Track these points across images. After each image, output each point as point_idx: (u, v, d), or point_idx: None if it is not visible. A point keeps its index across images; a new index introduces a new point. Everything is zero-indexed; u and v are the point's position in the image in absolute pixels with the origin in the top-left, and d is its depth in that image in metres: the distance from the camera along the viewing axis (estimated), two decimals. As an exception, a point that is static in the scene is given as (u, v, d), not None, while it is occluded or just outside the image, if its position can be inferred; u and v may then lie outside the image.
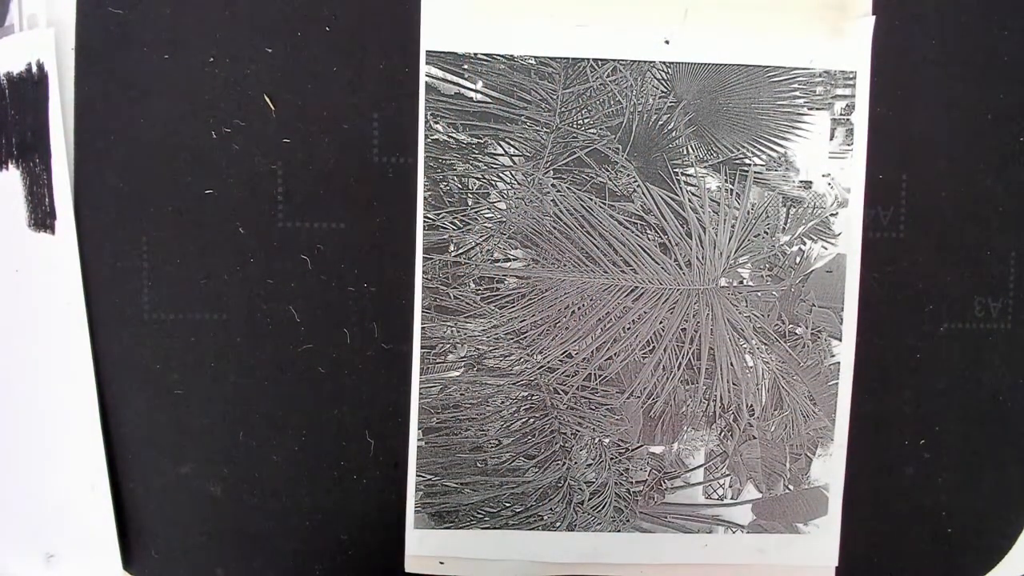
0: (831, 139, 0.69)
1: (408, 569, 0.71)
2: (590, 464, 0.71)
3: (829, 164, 0.69)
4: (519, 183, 0.69)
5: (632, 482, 0.71)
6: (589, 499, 0.71)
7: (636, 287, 0.70)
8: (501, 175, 0.69)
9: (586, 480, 0.71)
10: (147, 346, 0.69)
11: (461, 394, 0.70)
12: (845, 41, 0.69)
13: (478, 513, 0.71)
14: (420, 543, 0.71)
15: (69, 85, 0.68)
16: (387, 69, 0.68)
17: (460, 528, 0.71)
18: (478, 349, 0.70)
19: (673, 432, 0.71)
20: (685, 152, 0.69)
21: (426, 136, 0.68)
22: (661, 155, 0.69)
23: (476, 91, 0.68)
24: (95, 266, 0.69)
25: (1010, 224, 0.72)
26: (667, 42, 0.68)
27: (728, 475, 0.71)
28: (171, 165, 0.68)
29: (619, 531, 0.72)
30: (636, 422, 0.71)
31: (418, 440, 0.70)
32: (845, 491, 0.71)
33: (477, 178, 0.69)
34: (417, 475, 0.70)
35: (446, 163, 0.68)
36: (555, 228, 0.69)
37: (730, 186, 0.69)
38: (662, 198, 0.69)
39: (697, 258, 0.69)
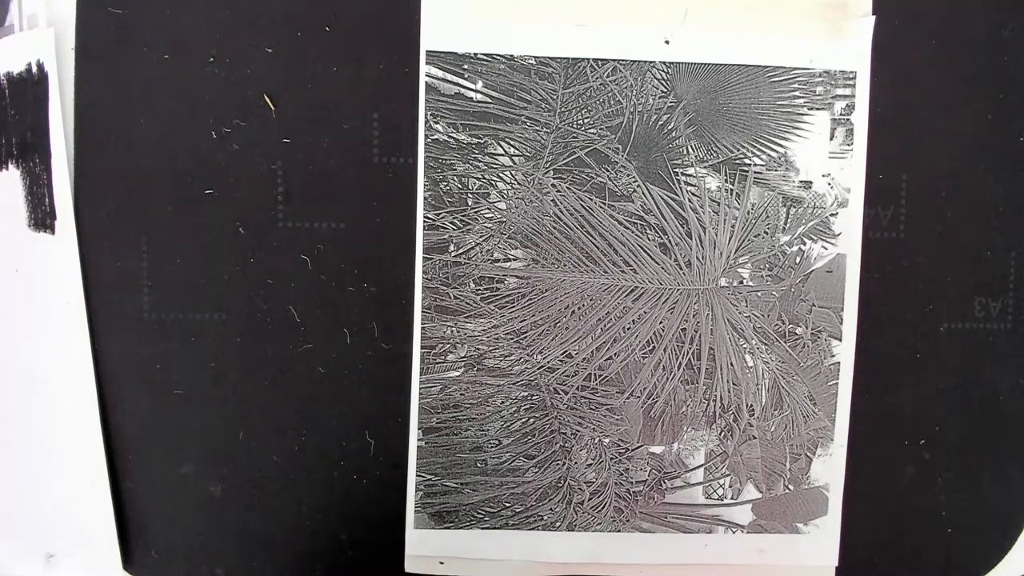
0: (831, 139, 0.69)
1: (408, 569, 0.71)
2: (590, 464, 0.71)
3: (829, 164, 0.69)
4: (519, 183, 0.69)
5: (632, 482, 0.71)
6: (589, 499, 0.71)
7: (636, 287, 0.70)
8: (501, 175, 0.69)
9: (586, 480, 0.71)
10: (147, 346, 0.69)
11: (461, 394, 0.70)
12: (845, 41, 0.69)
13: (478, 513, 0.71)
14: (420, 543, 0.71)
15: (69, 85, 0.68)
16: (387, 69, 0.68)
17: (460, 528, 0.71)
18: (478, 349, 0.70)
19: (673, 432, 0.71)
20: (685, 152, 0.69)
21: (426, 136, 0.68)
22: (661, 155, 0.69)
23: (476, 91, 0.68)
24: (95, 266, 0.69)
25: (1010, 224, 0.72)
26: (667, 42, 0.68)
27: (728, 475, 0.71)
28: (171, 165, 0.68)
29: (619, 531, 0.72)
30: (636, 422, 0.71)
31: (418, 440, 0.70)
32: (845, 491, 0.71)
33: (477, 178, 0.69)
34: (417, 475, 0.70)
35: (446, 163, 0.68)
36: (555, 228, 0.69)
37: (730, 186, 0.69)
38: (662, 198, 0.69)
39: (697, 258, 0.69)
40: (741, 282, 0.70)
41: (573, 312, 0.70)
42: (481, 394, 0.70)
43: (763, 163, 0.69)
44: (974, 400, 0.72)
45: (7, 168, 0.68)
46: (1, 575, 0.71)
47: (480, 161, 0.68)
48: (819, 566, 0.72)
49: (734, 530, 0.72)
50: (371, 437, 0.71)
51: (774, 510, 0.72)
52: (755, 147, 0.69)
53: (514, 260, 0.69)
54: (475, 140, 0.68)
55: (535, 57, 0.68)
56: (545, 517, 0.71)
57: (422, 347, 0.70)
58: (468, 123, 0.68)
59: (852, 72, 0.69)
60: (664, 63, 0.69)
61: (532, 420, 0.71)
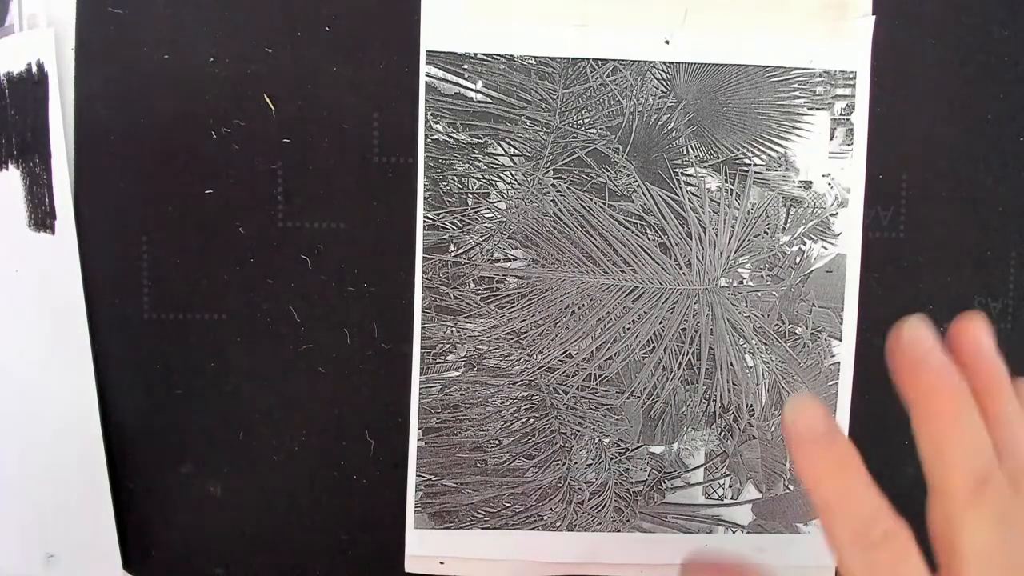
0: (831, 139, 0.69)
1: (408, 569, 0.71)
2: (590, 464, 0.71)
3: (829, 164, 0.69)
4: (519, 183, 0.69)
5: (632, 482, 0.71)
6: (589, 499, 0.71)
7: (636, 287, 0.70)
8: (501, 175, 0.69)
9: (586, 480, 0.71)
10: (147, 346, 0.70)
11: (461, 394, 0.70)
12: (845, 41, 0.69)
13: (478, 513, 0.71)
14: (420, 543, 0.71)
15: (69, 85, 0.68)
16: (387, 69, 0.68)
17: (460, 528, 0.71)
18: (478, 349, 0.70)
19: (673, 432, 0.71)
20: (685, 152, 0.69)
21: (426, 136, 0.68)
22: (661, 155, 0.69)
23: (476, 91, 0.68)
24: (95, 266, 0.69)
25: (1010, 224, 0.72)
26: (667, 42, 0.68)
27: (728, 475, 0.71)
28: (171, 165, 0.68)
29: (619, 531, 0.72)
30: (636, 422, 0.71)
31: (418, 440, 0.70)
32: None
33: (477, 178, 0.69)
34: (417, 475, 0.70)
35: (446, 163, 0.68)
36: (555, 228, 0.69)
37: (730, 186, 0.69)
38: (662, 198, 0.69)
39: (697, 258, 0.69)
40: (741, 282, 0.70)
41: (573, 312, 0.70)
42: (481, 394, 0.70)
43: (763, 163, 0.69)
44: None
45: (7, 168, 0.68)
46: (1, 575, 0.71)
47: (480, 161, 0.68)
48: (819, 566, 0.72)
49: (734, 530, 0.72)
50: (371, 437, 0.71)
51: (774, 510, 0.72)
52: (755, 147, 0.69)
53: (514, 260, 0.69)
54: (475, 140, 0.68)
55: (535, 57, 0.68)
56: (545, 517, 0.72)
57: (422, 347, 0.70)
58: (468, 123, 0.68)
59: (852, 72, 0.69)
60: (664, 63, 0.69)
61: (532, 420, 0.71)
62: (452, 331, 0.70)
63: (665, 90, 0.69)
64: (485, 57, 0.68)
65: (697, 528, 0.72)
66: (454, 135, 0.68)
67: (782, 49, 0.69)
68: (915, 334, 0.54)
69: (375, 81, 0.68)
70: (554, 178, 0.69)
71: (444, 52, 0.68)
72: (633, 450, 0.71)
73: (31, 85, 0.67)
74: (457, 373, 0.70)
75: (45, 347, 0.70)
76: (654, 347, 0.70)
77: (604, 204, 0.69)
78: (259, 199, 0.69)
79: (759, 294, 0.70)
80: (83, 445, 0.70)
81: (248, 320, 0.69)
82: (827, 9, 0.68)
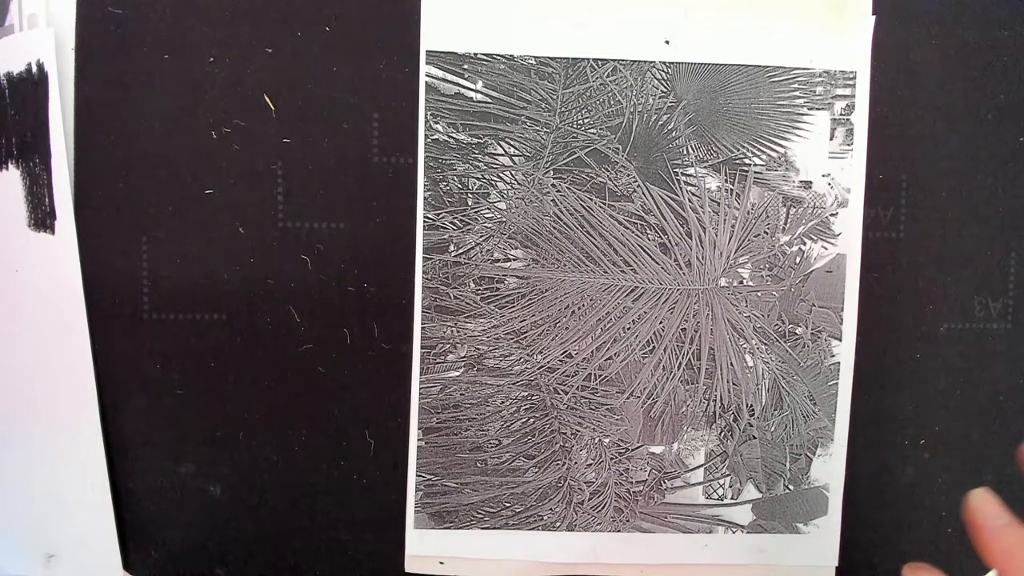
0: (831, 139, 0.69)
1: (408, 569, 0.71)
2: (590, 464, 0.71)
3: (829, 164, 0.69)
4: (519, 183, 0.69)
5: (632, 482, 0.71)
6: (589, 499, 0.71)
7: (636, 287, 0.70)
8: (501, 175, 0.69)
9: (586, 480, 0.71)
10: (147, 346, 0.70)
11: (461, 394, 0.70)
12: (845, 41, 0.69)
13: (478, 513, 0.71)
14: (420, 543, 0.71)
15: (69, 85, 0.68)
16: (387, 69, 0.68)
17: (460, 528, 0.71)
18: (478, 349, 0.70)
19: (673, 432, 0.71)
20: (685, 152, 0.69)
21: (426, 136, 0.68)
22: (661, 155, 0.69)
23: (476, 91, 0.68)
24: (95, 266, 0.69)
25: (1010, 224, 0.72)
26: (667, 42, 0.68)
27: (728, 475, 0.71)
28: (171, 165, 0.68)
29: (619, 531, 0.72)
30: (636, 422, 0.71)
31: (418, 440, 0.70)
32: (845, 491, 0.72)
33: (477, 178, 0.69)
34: (417, 475, 0.70)
35: (446, 163, 0.68)
36: (555, 228, 0.69)
37: (730, 186, 0.69)
38: (662, 198, 0.69)
39: (697, 258, 0.69)
40: (741, 282, 0.70)
41: (573, 312, 0.70)
42: (481, 394, 0.70)
43: (763, 163, 0.69)
44: (974, 400, 0.72)
45: (7, 168, 0.68)
46: (1, 575, 0.72)
47: (480, 161, 0.68)
48: (819, 566, 0.72)
49: (734, 530, 0.72)
50: (371, 437, 0.71)
51: (774, 510, 0.72)
52: (755, 147, 0.69)
53: (514, 260, 0.69)
54: (475, 140, 0.68)
55: (535, 57, 0.68)
56: (545, 517, 0.72)
57: (422, 347, 0.70)
58: (468, 123, 0.68)
59: (852, 72, 0.69)
60: (664, 63, 0.69)
61: (532, 420, 0.71)
62: (452, 331, 0.70)
63: (665, 90, 0.69)
64: (485, 57, 0.68)
65: (697, 528, 0.72)
66: (454, 135, 0.68)
67: (782, 49, 0.68)
68: (983, 507, 0.55)
69: (375, 81, 0.68)
70: (554, 178, 0.69)
71: (444, 52, 0.68)
72: (633, 450, 0.71)
73: (31, 85, 0.67)
74: (457, 373, 0.70)
75: (45, 347, 0.70)
76: (654, 347, 0.70)
77: (604, 204, 0.69)
78: (259, 199, 0.69)
79: (759, 294, 0.70)
80: (83, 445, 0.70)
81: (248, 320, 0.69)
82: (827, 9, 0.68)
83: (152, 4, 0.67)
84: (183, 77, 0.68)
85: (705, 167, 0.69)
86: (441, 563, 0.71)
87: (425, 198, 0.68)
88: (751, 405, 0.71)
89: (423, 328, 0.70)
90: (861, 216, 0.69)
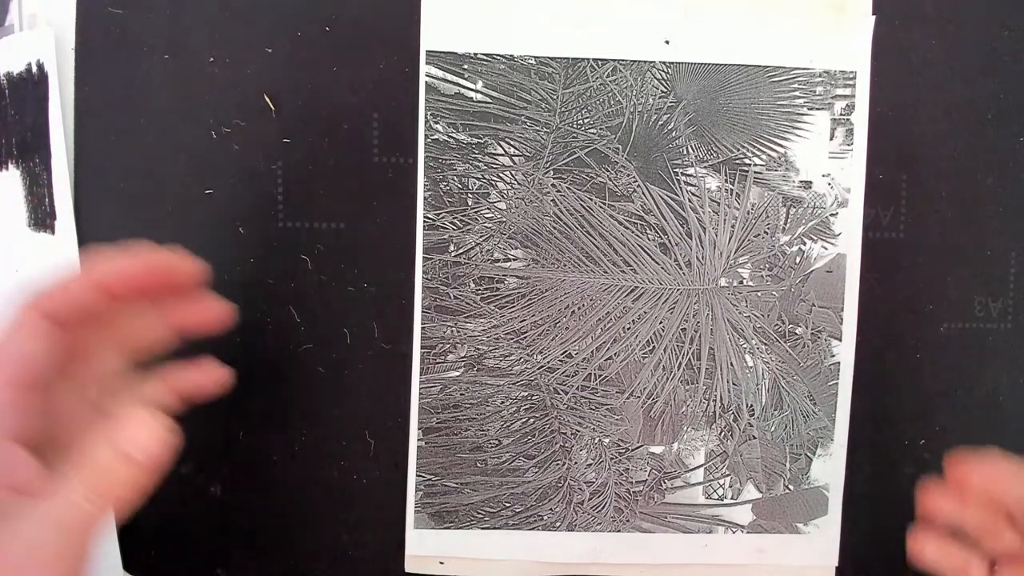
0: (831, 139, 0.69)
1: (408, 569, 0.71)
2: (590, 464, 0.71)
3: (829, 164, 0.69)
4: (519, 183, 0.69)
5: (632, 482, 0.71)
6: (589, 499, 0.71)
7: (636, 287, 0.70)
8: (501, 175, 0.69)
9: (586, 480, 0.71)
10: (147, 346, 0.69)
11: (461, 394, 0.70)
12: (845, 41, 0.69)
13: (478, 513, 0.71)
14: (420, 543, 0.71)
15: (69, 85, 0.68)
16: (387, 69, 0.68)
17: (460, 528, 0.71)
18: (478, 349, 0.70)
19: (673, 432, 0.71)
20: (685, 152, 0.69)
21: (426, 136, 0.68)
22: (661, 155, 0.69)
23: (476, 91, 0.68)
24: (95, 266, 0.69)
25: (1010, 224, 0.72)
26: (667, 42, 0.68)
27: (728, 475, 0.71)
28: (171, 165, 0.68)
29: (619, 531, 0.72)
30: (636, 422, 0.71)
31: (418, 440, 0.70)
32: (845, 491, 0.72)
33: (477, 178, 0.69)
34: (417, 475, 0.70)
35: (446, 163, 0.68)
36: (555, 228, 0.69)
37: (730, 186, 0.69)
38: (662, 198, 0.69)
39: (697, 258, 0.69)
40: (741, 282, 0.70)
41: (573, 312, 0.70)
42: (481, 394, 0.70)
43: (763, 163, 0.69)
44: (974, 400, 0.72)
45: (7, 168, 0.68)
46: None
47: (480, 161, 0.68)
48: (819, 566, 0.73)
49: (734, 530, 0.72)
50: (371, 437, 0.71)
51: (774, 510, 0.72)
52: (755, 147, 0.69)
53: (514, 260, 0.69)
54: (475, 140, 0.68)
55: (535, 57, 0.68)
56: (545, 517, 0.72)
57: (422, 347, 0.70)
58: (468, 123, 0.68)
59: (852, 72, 0.69)
60: (664, 63, 0.69)
61: (532, 420, 0.71)
62: (452, 331, 0.70)
63: (665, 90, 0.69)
64: (485, 57, 0.68)
65: (697, 528, 0.72)
66: (454, 135, 0.68)
67: (782, 49, 0.68)
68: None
69: (375, 81, 0.68)
70: (554, 178, 0.69)
71: (444, 52, 0.68)
72: (633, 450, 0.71)
73: (31, 85, 0.67)
74: (457, 373, 0.70)
75: (45, 347, 0.69)
76: (654, 347, 0.70)
77: (604, 204, 0.69)
78: (259, 199, 0.69)
79: (759, 294, 0.70)
80: None
81: (248, 320, 0.69)
82: (827, 9, 0.68)
83: (152, 4, 0.67)
84: (183, 77, 0.68)
85: (705, 167, 0.69)
86: (441, 563, 0.71)
87: (425, 198, 0.68)
88: (751, 405, 0.71)
89: (423, 328, 0.70)
90: (861, 216, 0.69)
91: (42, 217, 0.68)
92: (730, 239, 0.70)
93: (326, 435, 0.70)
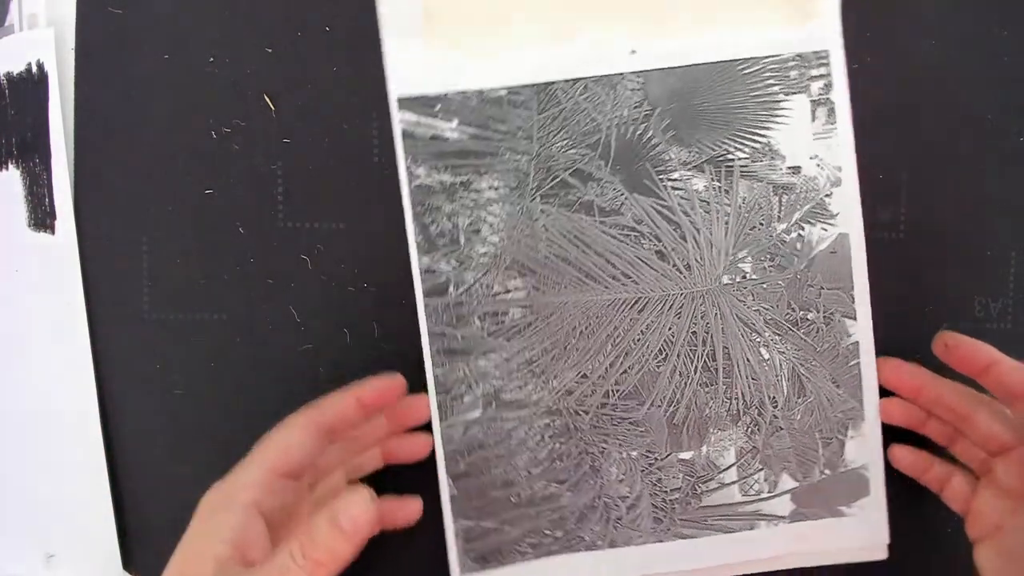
0: (813, 120, 0.69)
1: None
2: (621, 479, 0.70)
3: (815, 146, 0.69)
4: (508, 214, 0.69)
5: (667, 491, 0.70)
6: (627, 513, 0.70)
7: (639, 298, 0.69)
8: (489, 209, 0.69)
9: (620, 496, 0.70)
10: (147, 346, 0.69)
11: (484, 433, 0.70)
12: (813, 22, 0.69)
13: (520, 547, 0.70)
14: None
15: (69, 85, 0.69)
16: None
17: (506, 565, 0.70)
18: (493, 385, 0.69)
19: (700, 436, 0.69)
20: (667, 157, 0.69)
21: (410, 182, 0.68)
22: (644, 164, 0.69)
23: (452, 130, 0.69)
24: (95, 266, 0.69)
25: (1010, 224, 0.72)
26: (633, 52, 0.70)
27: (761, 469, 0.70)
28: (171, 165, 0.69)
29: (661, 541, 0.70)
30: (661, 431, 0.69)
31: (449, 488, 0.70)
32: (886, 469, 0.70)
33: (466, 216, 0.69)
34: (455, 522, 0.70)
35: (433, 206, 0.69)
36: (550, 252, 0.69)
37: (717, 184, 0.69)
38: (651, 206, 0.69)
39: (696, 260, 0.69)
40: (744, 277, 0.69)
41: (581, 332, 0.69)
42: (503, 429, 0.70)
43: (747, 155, 0.69)
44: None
45: (7, 168, 0.69)
46: (1, 575, 0.71)
47: (467, 198, 0.69)
48: (870, 546, 0.71)
49: (776, 522, 0.70)
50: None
51: (814, 497, 0.70)
52: (737, 141, 0.69)
53: (515, 291, 0.69)
54: (459, 179, 0.69)
55: (506, 88, 0.69)
56: (587, 538, 0.70)
57: (437, 393, 0.69)
58: (449, 163, 0.69)
59: (824, 51, 0.69)
60: (634, 73, 0.69)
61: (558, 445, 0.70)
62: (465, 372, 0.69)
63: (639, 100, 0.69)
64: (456, 95, 0.69)
65: (739, 526, 0.70)
66: (437, 177, 0.69)
67: (750, 40, 0.69)
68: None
69: (375, 81, 0.69)
70: (542, 203, 0.69)
71: (415, 96, 0.69)
72: (663, 459, 0.70)
73: (31, 85, 0.69)
74: (477, 413, 0.69)
75: (45, 347, 0.69)
76: (667, 354, 0.69)
77: (595, 221, 0.69)
78: (259, 199, 0.69)
79: (764, 286, 0.69)
80: (83, 445, 0.69)
81: (248, 320, 0.69)
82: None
83: (152, 4, 0.69)
84: (183, 77, 0.69)
85: (690, 169, 0.69)
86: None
87: (417, 243, 0.68)
88: (773, 397, 0.69)
89: (436, 375, 0.69)
90: (857, 192, 0.69)
91: (42, 217, 0.68)
92: (726, 235, 0.69)
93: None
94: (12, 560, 0.70)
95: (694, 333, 0.69)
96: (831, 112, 0.69)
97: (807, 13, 0.69)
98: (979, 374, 0.63)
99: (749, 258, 0.69)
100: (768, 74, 0.69)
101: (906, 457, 0.69)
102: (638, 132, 0.69)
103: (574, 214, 0.69)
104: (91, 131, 0.69)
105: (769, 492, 0.70)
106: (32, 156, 0.68)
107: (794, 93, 0.69)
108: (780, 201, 0.69)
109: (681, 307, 0.69)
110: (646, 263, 0.69)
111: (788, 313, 0.69)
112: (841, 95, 0.69)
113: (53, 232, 0.69)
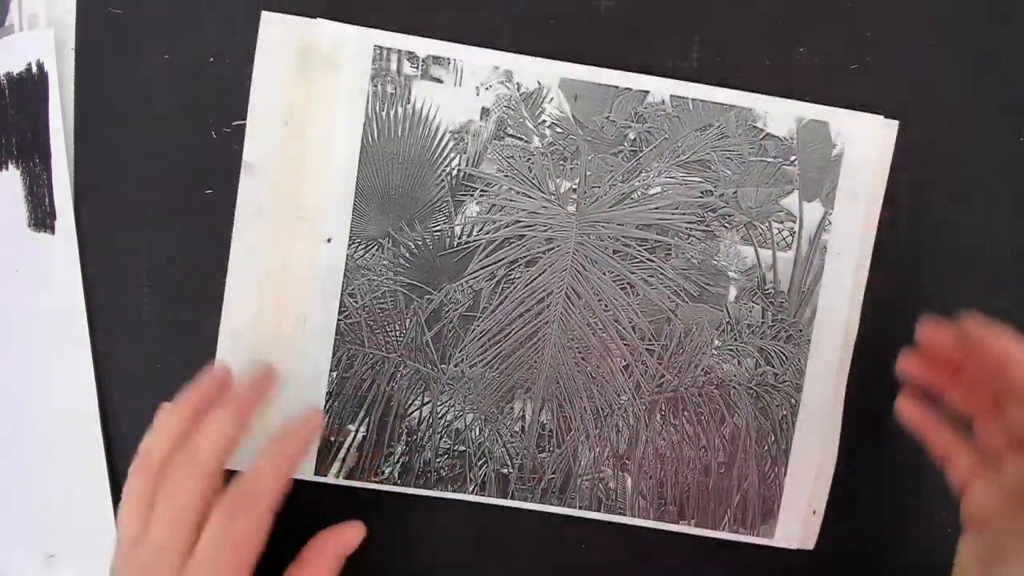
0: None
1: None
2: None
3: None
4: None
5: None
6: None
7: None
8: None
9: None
10: (147, 346, 0.70)
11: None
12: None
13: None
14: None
15: (69, 85, 0.68)
16: (386, 69, 0.68)
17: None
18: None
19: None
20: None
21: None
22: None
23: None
24: (95, 266, 0.69)
25: (1010, 224, 0.72)
26: (329, 241, 0.69)
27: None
28: (171, 165, 0.69)
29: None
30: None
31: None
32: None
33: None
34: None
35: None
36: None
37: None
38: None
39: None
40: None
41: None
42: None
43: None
44: (973, 400, 0.72)
45: (7, 168, 0.69)
46: (1, 575, 0.72)
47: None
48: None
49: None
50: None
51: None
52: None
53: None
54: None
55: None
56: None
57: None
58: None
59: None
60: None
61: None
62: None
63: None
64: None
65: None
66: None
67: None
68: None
69: (374, 81, 0.68)
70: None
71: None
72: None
73: (31, 85, 0.68)
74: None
75: (45, 347, 0.70)
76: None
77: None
78: (259, 199, 0.69)
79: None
80: (83, 445, 0.70)
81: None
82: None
83: (152, 4, 0.68)
84: (183, 77, 0.68)
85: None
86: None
87: None
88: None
89: None
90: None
91: (42, 217, 0.68)
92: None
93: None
94: (12, 560, 0.72)
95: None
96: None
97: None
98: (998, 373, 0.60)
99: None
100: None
101: (914, 412, 0.66)
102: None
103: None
104: (91, 131, 0.69)
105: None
106: (32, 156, 0.68)
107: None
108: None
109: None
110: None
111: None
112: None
113: (53, 232, 0.69)
